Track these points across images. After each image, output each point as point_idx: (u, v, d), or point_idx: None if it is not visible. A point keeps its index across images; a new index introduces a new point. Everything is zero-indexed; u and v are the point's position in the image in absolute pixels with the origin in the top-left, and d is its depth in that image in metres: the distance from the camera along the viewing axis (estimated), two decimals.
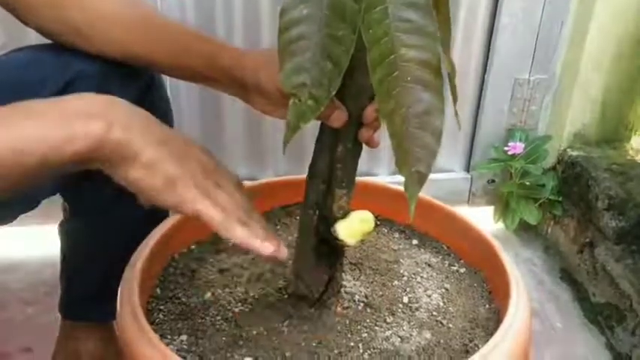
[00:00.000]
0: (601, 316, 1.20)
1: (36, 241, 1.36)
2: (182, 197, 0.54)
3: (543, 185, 1.38)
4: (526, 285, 1.35)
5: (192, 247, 0.83)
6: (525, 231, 1.48)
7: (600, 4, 1.25)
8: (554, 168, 1.41)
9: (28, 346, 1.11)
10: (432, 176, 1.62)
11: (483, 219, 1.50)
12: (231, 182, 0.61)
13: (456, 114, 0.58)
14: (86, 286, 0.90)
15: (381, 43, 0.46)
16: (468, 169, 1.51)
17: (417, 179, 0.49)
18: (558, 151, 1.39)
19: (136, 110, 0.56)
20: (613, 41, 1.28)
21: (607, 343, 1.17)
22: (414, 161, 0.48)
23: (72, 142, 0.50)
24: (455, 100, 0.58)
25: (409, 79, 0.46)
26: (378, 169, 1.46)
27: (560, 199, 1.37)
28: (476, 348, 0.66)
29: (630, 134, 1.39)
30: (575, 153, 1.35)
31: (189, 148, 0.58)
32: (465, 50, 1.38)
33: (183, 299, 0.73)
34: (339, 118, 0.60)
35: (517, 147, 1.37)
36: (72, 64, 0.72)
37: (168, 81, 0.84)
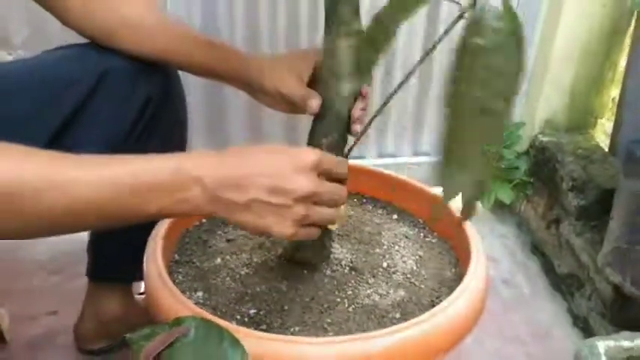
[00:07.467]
0: (564, 284, 1.34)
1: None
2: (270, 233, 0.64)
3: (517, 168, 1.51)
4: (499, 257, 1.48)
5: (203, 220, 0.96)
6: (500, 209, 1.62)
7: (568, 6, 1.37)
8: (527, 152, 1.53)
9: (54, 310, 1.23)
10: (415, 160, 1.72)
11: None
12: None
13: None
14: (111, 252, 1.02)
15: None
16: None
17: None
18: (530, 137, 1.52)
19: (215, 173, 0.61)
20: (581, 38, 1.41)
21: (568, 308, 1.32)
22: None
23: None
24: None
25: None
26: (366, 153, 1.58)
27: (532, 180, 1.50)
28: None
29: (596, 121, 1.52)
30: (545, 139, 1.48)
31: (257, 180, 0.61)
32: (446, 43, 1.49)
33: (198, 264, 0.87)
34: (314, 105, 0.75)
35: None
36: (106, 60, 0.85)
37: None
